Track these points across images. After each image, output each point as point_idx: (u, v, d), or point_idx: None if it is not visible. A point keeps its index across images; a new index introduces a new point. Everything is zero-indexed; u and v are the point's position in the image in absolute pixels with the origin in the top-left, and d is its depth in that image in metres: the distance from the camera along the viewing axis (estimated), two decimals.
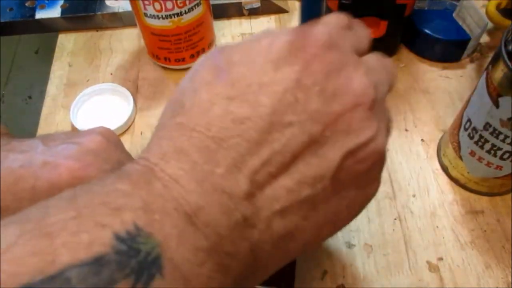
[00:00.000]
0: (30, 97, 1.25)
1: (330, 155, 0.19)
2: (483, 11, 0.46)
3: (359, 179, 0.20)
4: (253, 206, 0.18)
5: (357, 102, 0.19)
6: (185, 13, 0.42)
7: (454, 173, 0.39)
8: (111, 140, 0.30)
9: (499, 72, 0.30)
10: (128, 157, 0.31)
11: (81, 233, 0.15)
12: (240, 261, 0.18)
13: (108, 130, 0.31)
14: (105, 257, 0.15)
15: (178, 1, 0.41)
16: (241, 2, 0.52)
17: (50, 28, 0.53)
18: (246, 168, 0.18)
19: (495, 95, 0.31)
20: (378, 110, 0.20)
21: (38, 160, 0.27)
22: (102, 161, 0.28)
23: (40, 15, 0.52)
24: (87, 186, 0.18)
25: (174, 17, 0.42)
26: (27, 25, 0.53)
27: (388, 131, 0.22)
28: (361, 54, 0.22)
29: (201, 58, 0.21)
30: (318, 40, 0.19)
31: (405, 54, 0.49)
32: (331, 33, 0.20)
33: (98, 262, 0.14)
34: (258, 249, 0.18)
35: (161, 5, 0.41)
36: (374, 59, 0.22)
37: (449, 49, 0.47)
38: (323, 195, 0.19)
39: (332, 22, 0.21)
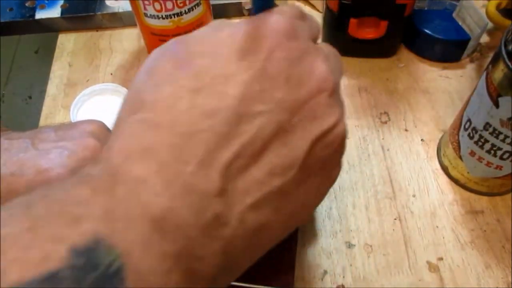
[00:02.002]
0: (30, 97, 1.25)
1: (299, 143, 0.19)
2: (483, 11, 0.46)
3: (324, 164, 0.20)
4: (225, 202, 0.17)
5: (321, 88, 0.19)
6: (185, 13, 0.42)
7: (454, 173, 0.39)
8: (104, 139, 0.28)
9: (499, 72, 0.30)
10: None
11: (33, 248, 0.14)
12: (210, 264, 0.17)
13: (100, 127, 0.29)
14: (58, 274, 0.14)
15: (178, 1, 0.41)
16: (241, 2, 0.52)
17: (50, 28, 0.53)
18: (217, 163, 0.17)
19: (495, 95, 0.31)
20: (337, 96, 0.21)
21: (29, 168, 0.26)
22: None
23: (40, 15, 0.52)
24: (45, 191, 0.16)
25: (174, 17, 0.42)
26: (27, 25, 0.53)
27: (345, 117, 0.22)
28: (314, 42, 0.22)
29: (156, 51, 0.21)
30: (279, 29, 0.19)
31: (405, 54, 0.49)
32: (289, 22, 0.20)
33: (50, 279, 0.13)
34: (231, 246, 0.18)
35: (161, 5, 0.41)
36: (327, 47, 0.22)
37: (449, 49, 0.47)
38: (293, 183, 0.19)
39: (287, 12, 0.21)
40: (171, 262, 0.16)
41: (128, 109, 0.19)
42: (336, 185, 0.39)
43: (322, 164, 0.20)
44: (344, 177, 0.40)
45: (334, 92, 0.20)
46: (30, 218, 0.15)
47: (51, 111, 0.46)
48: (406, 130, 0.43)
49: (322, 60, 0.20)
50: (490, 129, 0.33)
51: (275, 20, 0.20)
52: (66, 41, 0.53)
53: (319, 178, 0.21)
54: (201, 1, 0.43)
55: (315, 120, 0.19)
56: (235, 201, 0.18)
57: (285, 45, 0.19)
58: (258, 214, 0.18)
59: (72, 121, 0.44)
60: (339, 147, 0.21)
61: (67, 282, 0.14)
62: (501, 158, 0.34)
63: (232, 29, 0.20)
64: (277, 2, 0.22)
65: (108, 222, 0.15)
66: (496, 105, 0.31)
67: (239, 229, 0.18)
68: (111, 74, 0.49)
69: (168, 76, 0.19)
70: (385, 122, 0.43)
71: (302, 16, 0.22)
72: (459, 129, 0.37)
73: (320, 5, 0.53)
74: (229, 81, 0.18)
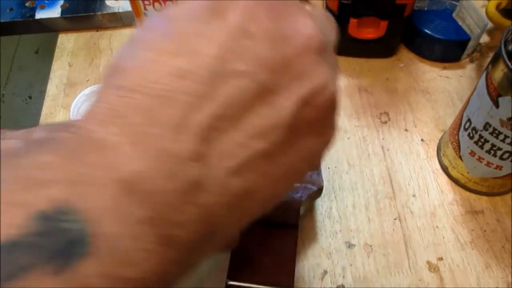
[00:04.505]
0: (30, 97, 1.25)
1: (284, 103, 0.18)
2: (483, 11, 0.46)
3: (314, 127, 0.19)
4: (204, 166, 0.16)
5: (308, 45, 0.18)
6: None
7: (454, 173, 0.39)
8: None
9: (499, 72, 0.30)
10: None
11: None
12: (190, 230, 0.16)
13: None
14: (17, 241, 0.13)
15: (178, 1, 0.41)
16: None
17: (50, 28, 0.53)
18: (192, 125, 0.16)
19: (495, 95, 0.31)
20: (327, 56, 0.19)
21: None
22: None
23: (40, 15, 0.52)
24: (8, 157, 0.16)
25: None
26: (27, 25, 0.53)
27: (337, 79, 0.21)
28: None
29: (139, 26, 0.20)
30: None
31: (405, 54, 0.49)
32: None
33: (7, 247, 0.13)
34: (213, 214, 0.17)
35: (161, 5, 0.41)
36: (316, 9, 0.21)
37: (449, 49, 0.47)
38: (279, 146, 0.18)
39: None
40: (145, 228, 0.15)
41: (108, 78, 0.18)
42: (336, 185, 0.39)
43: (312, 126, 0.19)
44: (344, 177, 0.40)
45: (324, 51, 0.19)
46: None
47: (51, 111, 0.46)
48: (406, 130, 0.43)
49: (307, 16, 0.19)
50: (490, 129, 0.33)
51: None
52: (66, 41, 0.53)
53: (310, 140, 0.19)
54: None
55: (302, 79, 0.18)
56: (214, 166, 0.17)
57: (267, 1, 0.18)
58: (241, 180, 0.17)
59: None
60: (330, 109, 0.19)
61: (26, 250, 0.13)
62: (501, 158, 0.34)
63: None
64: None
65: (76, 187, 0.15)
66: (496, 105, 0.31)
67: (221, 196, 0.17)
68: None
69: (146, 42, 0.18)
70: (385, 122, 0.43)
71: None
72: (459, 129, 0.37)
73: (319, 5, 0.53)
74: (204, 39, 0.17)
